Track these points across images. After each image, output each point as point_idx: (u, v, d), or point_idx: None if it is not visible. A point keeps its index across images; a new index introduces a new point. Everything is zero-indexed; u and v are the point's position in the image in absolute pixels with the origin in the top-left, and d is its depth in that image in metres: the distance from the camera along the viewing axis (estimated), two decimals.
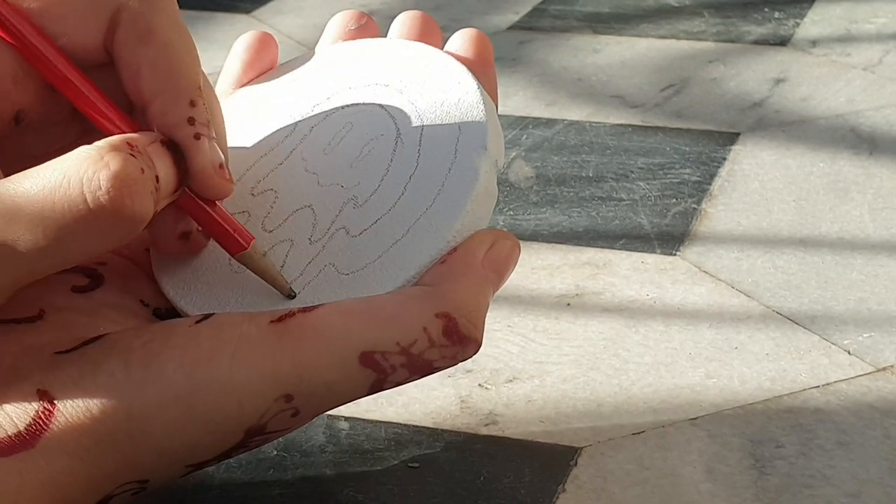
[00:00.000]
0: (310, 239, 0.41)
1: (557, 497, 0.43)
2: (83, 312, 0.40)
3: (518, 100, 0.76)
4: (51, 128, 0.41)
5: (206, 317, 0.38)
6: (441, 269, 0.39)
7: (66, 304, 0.40)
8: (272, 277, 0.41)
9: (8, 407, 0.36)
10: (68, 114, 0.40)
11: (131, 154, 0.36)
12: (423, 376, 0.39)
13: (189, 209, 0.40)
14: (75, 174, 0.35)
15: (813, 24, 0.87)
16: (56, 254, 0.36)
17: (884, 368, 0.50)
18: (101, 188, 0.35)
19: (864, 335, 0.52)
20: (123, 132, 0.38)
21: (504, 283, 0.41)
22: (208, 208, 0.40)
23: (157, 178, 0.37)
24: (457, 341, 0.38)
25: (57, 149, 0.38)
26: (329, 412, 0.47)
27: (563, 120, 0.73)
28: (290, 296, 0.40)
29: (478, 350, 0.39)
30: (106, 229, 0.36)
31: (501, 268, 0.41)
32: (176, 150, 0.38)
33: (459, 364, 0.50)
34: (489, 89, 0.44)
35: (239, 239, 0.40)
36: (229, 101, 0.46)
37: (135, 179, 0.35)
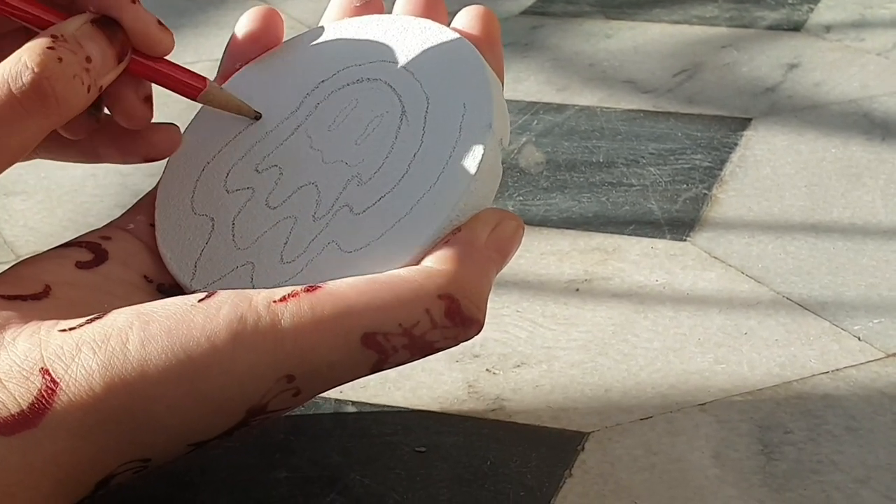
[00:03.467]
0: (313, 216, 0.41)
1: (564, 482, 0.43)
2: (88, 288, 0.40)
3: (529, 85, 0.76)
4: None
5: (209, 296, 0.38)
6: (444, 249, 0.39)
7: (70, 279, 0.40)
8: (237, 106, 0.44)
9: (11, 385, 0.36)
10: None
11: (49, 47, 0.39)
12: (424, 356, 0.39)
13: (140, 73, 0.42)
14: (0, 76, 0.39)
15: (827, 9, 0.87)
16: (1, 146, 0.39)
17: (894, 354, 0.50)
18: (21, 80, 0.39)
19: (875, 321, 0.52)
20: (54, 23, 0.41)
21: (507, 264, 0.41)
22: (158, 66, 0.42)
23: (87, 58, 0.40)
24: (459, 323, 0.38)
25: None
26: (337, 397, 0.47)
27: (575, 105, 0.73)
28: (257, 117, 0.44)
29: (480, 331, 0.39)
30: (35, 114, 0.39)
31: (505, 248, 0.40)
32: (109, 26, 0.41)
33: (467, 349, 0.50)
34: (495, 67, 0.44)
35: (194, 83, 0.43)
36: (235, 77, 0.46)
37: (52, 69, 0.39)
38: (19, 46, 0.43)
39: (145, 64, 0.42)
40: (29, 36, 0.41)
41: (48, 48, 0.39)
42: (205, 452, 0.44)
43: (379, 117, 0.42)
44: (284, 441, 0.45)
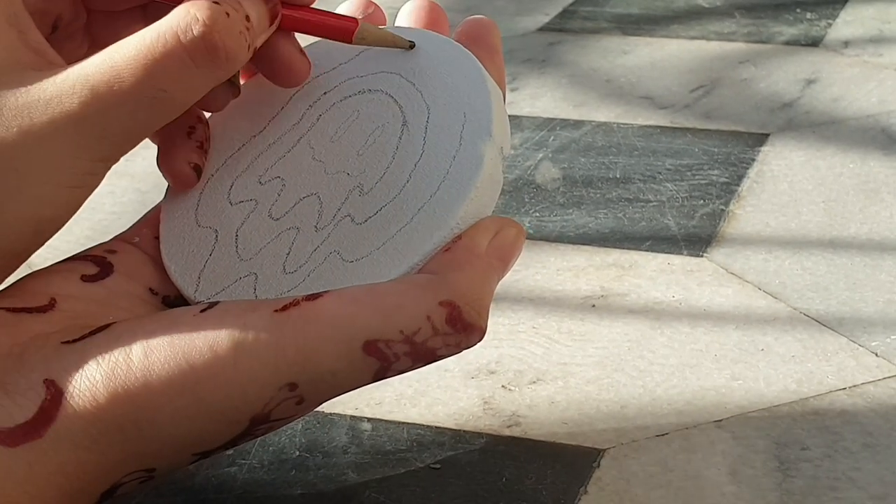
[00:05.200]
0: (315, 226, 0.42)
1: (580, 499, 0.43)
2: (93, 301, 0.40)
3: (546, 101, 0.76)
4: (117, 19, 0.44)
5: (211, 305, 0.38)
6: (445, 256, 0.39)
7: (75, 293, 0.40)
8: (392, 40, 0.44)
9: (16, 396, 0.37)
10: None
11: (215, 2, 0.39)
12: (426, 364, 0.38)
13: (291, 26, 0.42)
14: (168, 29, 0.39)
15: (845, 24, 0.87)
16: (165, 99, 0.39)
17: None
18: (192, 32, 0.38)
19: (892, 337, 0.51)
20: None
21: (509, 271, 0.41)
22: (308, 15, 0.43)
23: (247, 17, 0.40)
24: (460, 329, 0.38)
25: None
26: (352, 413, 0.47)
27: (592, 121, 0.73)
28: (411, 46, 0.44)
29: (482, 338, 0.39)
30: (203, 66, 0.39)
31: (506, 255, 0.40)
32: None
33: (483, 366, 0.50)
34: (496, 77, 0.44)
35: (347, 25, 0.43)
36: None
37: (222, 23, 0.39)
38: (138, 23, 0.44)
39: (296, 16, 0.42)
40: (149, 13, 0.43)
41: (214, 2, 0.39)
42: (219, 469, 0.44)
43: (380, 128, 0.43)
44: (299, 458, 0.45)
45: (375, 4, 0.47)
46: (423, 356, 0.38)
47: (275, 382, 0.37)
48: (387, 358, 0.38)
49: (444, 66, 0.43)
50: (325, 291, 0.38)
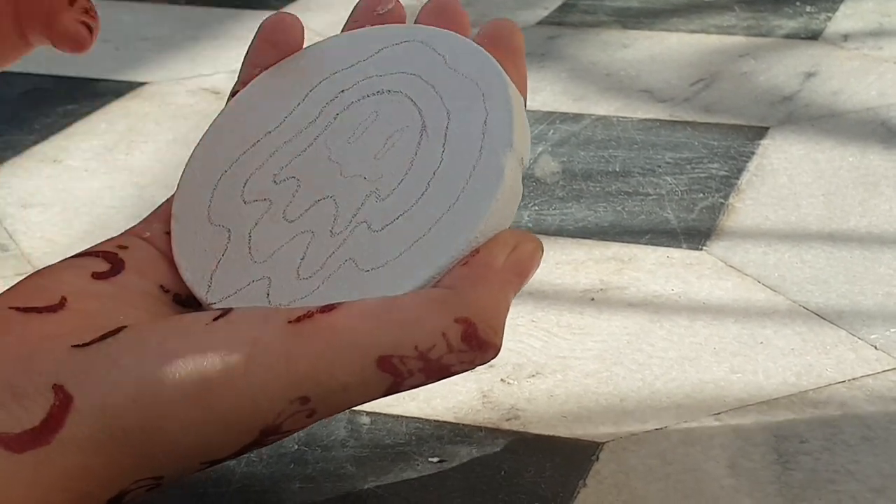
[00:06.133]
0: (331, 231, 0.41)
1: (579, 492, 0.43)
2: (104, 299, 0.40)
3: (546, 95, 0.76)
4: None
5: (224, 313, 0.38)
6: (462, 270, 0.38)
7: (87, 290, 0.40)
8: None
9: (24, 401, 0.36)
10: None
11: None
12: (439, 380, 0.38)
13: None
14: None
15: (845, 17, 0.87)
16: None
17: None
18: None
19: (892, 330, 0.51)
20: None
21: (526, 284, 0.41)
22: None
23: None
24: (476, 347, 0.38)
25: None
26: None
27: (591, 115, 0.73)
28: None
29: (496, 355, 0.38)
30: None
31: (524, 271, 0.40)
32: None
33: None
34: (518, 81, 0.43)
35: None
36: (253, 83, 0.45)
37: None
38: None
39: None
40: None
41: None
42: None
43: (399, 132, 0.42)
44: (298, 452, 0.45)
45: (396, 0, 0.46)
46: (436, 372, 0.38)
47: (286, 395, 0.37)
48: (400, 373, 0.37)
49: (464, 69, 0.42)
50: (340, 303, 0.38)
